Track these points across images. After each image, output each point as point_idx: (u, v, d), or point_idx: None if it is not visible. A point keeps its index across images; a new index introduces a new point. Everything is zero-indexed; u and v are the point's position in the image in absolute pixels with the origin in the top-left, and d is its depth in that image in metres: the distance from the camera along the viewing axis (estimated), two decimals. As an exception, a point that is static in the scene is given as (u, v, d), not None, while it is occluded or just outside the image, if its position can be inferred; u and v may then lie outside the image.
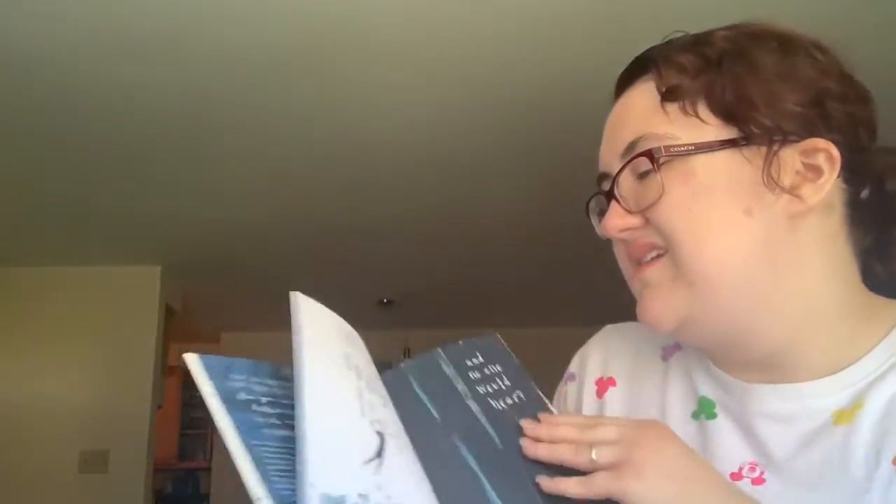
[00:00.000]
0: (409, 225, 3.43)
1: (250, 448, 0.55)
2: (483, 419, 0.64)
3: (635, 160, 0.62)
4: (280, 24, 1.83)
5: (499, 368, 0.70)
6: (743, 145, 0.60)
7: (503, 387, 0.68)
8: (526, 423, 0.63)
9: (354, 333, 0.67)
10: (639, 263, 0.64)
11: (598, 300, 3.99)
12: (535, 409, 0.66)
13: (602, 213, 0.67)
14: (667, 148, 0.61)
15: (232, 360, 0.63)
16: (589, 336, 0.83)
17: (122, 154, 2.57)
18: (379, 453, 0.57)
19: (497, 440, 0.63)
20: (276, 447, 0.57)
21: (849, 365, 0.61)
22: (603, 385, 0.77)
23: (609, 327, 0.82)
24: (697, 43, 0.64)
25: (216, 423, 0.56)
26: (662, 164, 0.61)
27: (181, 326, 4.76)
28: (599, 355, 0.80)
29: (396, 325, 5.17)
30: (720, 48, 0.63)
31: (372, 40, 1.91)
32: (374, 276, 4.32)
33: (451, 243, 3.71)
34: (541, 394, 0.69)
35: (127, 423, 3.75)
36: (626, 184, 0.64)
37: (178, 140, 2.47)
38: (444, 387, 0.67)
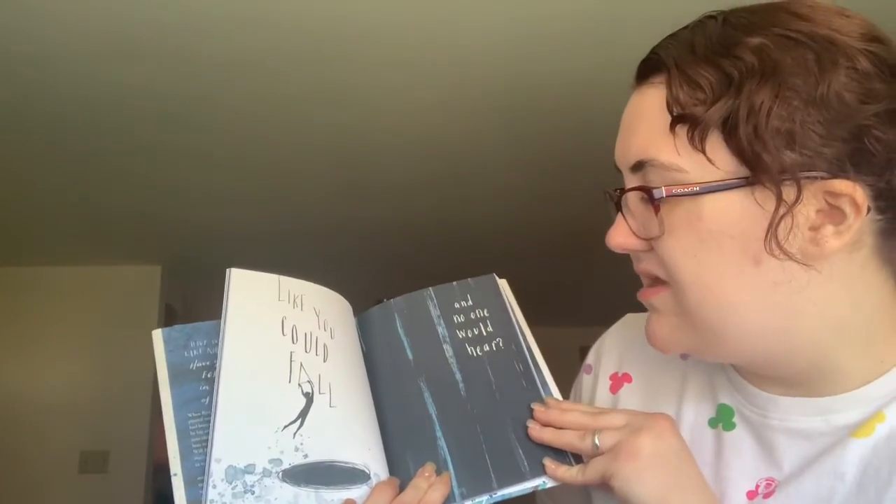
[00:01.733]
0: (408, 224, 3.43)
1: (180, 422, 0.59)
2: (454, 365, 0.66)
3: (633, 191, 0.58)
4: (279, 25, 1.82)
5: (485, 313, 0.70)
6: (755, 184, 0.53)
7: (484, 333, 0.68)
8: (537, 407, 0.63)
9: (320, 293, 0.70)
10: (647, 280, 0.61)
11: (599, 300, 3.99)
12: (510, 360, 0.67)
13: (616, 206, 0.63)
14: (668, 189, 0.55)
15: (196, 327, 0.66)
16: (591, 336, 0.82)
17: (123, 154, 2.57)
18: (302, 414, 0.60)
19: (462, 388, 0.64)
20: (208, 416, 0.60)
21: (874, 379, 0.57)
22: (618, 381, 0.74)
23: (629, 316, 0.78)
24: (723, 50, 0.54)
25: (161, 399, 0.61)
26: (664, 203, 0.55)
27: (181, 326, 4.76)
28: (616, 348, 0.77)
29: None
30: (747, 63, 0.53)
31: (372, 44, 1.91)
32: (372, 276, 4.32)
33: (451, 243, 3.71)
34: (526, 342, 0.68)
35: (127, 423, 3.74)
36: (633, 202, 0.59)
37: (179, 141, 2.47)
38: (424, 327, 0.68)
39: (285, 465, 0.58)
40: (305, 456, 0.58)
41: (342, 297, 0.73)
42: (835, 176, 0.52)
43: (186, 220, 3.31)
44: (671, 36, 0.59)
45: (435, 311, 0.69)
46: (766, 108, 0.52)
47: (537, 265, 4.08)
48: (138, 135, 2.42)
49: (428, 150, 2.62)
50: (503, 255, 3.95)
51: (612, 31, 1.87)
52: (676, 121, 0.55)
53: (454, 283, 0.72)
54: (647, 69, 0.59)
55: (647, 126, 0.57)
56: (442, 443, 0.61)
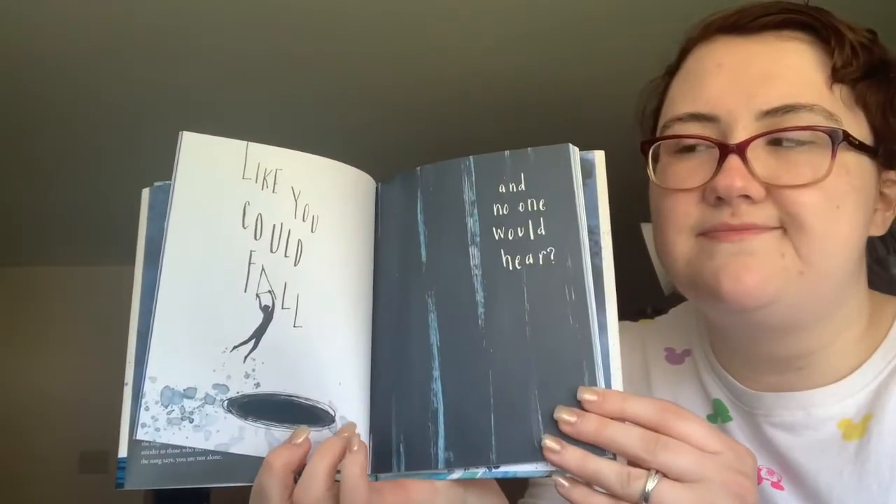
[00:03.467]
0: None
1: (143, 315, 0.50)
2: (477, 278, 0.48)
3: (800, 130, 0.54)
4: (279, 26, 1.83)
5: (542, 206, 0.49)
6: (879, 156, 0.58)
7: (532, 236, 0.48)
8: (563, 414, 0.45)
9: (307, 166, 0.54)
10: (730, 228, 0.55)
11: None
12: (560, 282, 0.47)
13: (677, 154, 0.59)
14: (847, 134, 0.55)
15: None
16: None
17: (124, 154, 2.57)
18: (257, 333, 0.48)
19: (481, 314, 0.47)
20: None
21: (852, 370, 0.60)
22: None
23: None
24: (854, 32, 0.59)
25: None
26: (839, 149, 0.54)
27: (181, 326, 4.76)
28: None
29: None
30: (878, 53, 0.60)
31: (374, 45, 1.91)
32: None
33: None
34: (594, 261, 0.48)
35: (127, 423, 3.74)
36: (757, 146, 0.55)
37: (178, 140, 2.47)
38: (450, 217, 0.49)
39: (232, 393, 0.49)
40: (257, 385, 0.49)
41: (352, 170, 0.55)
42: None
43: (186, 220, 3.31)
44: (791, 4, 0.60)
45: (469, 195, 0.50)
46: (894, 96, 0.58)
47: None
48: (139, 134, 2.42)
49: (428, 149, 2.62)
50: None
51: (613, 30, 1.87)
52: (843, 74, 0.56)
53: (506, 152, 0.51)
54: (784, 22, 0.58)
55: (798, 74, 0.56)
56: (437, 386, 0.46)
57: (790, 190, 0.54)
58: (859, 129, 0.57)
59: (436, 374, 0.46)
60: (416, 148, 2.45)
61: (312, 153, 0.57)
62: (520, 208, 0.49)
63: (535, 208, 0.49)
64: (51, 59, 1.95)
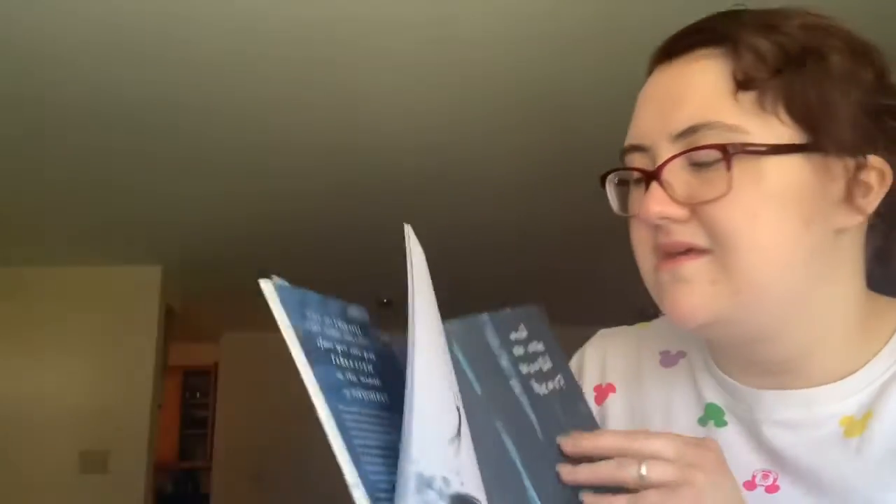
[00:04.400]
0: (409, 224, 3.43)
1: (337, 415, 0.47)
2: (525, 404, 0.57)
3: (698, 150, 0.57)
4: (278, 28, 1.82)
5: (542, 347, 0.61)
6: (811, 151, 0.56)
7: (545, 369, 0.60)
8: (563, 442, 0.56)
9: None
10: (668, 255, 0.59)
11: (600, 300, 3.99)
12: (574, 399, 0.61)
13: (620, 187, 0.62)
14: (744, 145, 0.55)
15: (304, 294, 0.53)
16: (591, 335, 0.82)
17: (123, 153, 2.57)
18: (458, 432, 0.50)
19: (538, 429, 0.56)
20: (359, 413, 0.49)
21: (855, 370, 0.60)
22: (602, 392, 0.75)
23: (603, 332, 0.79)
24: (773, 29, 0.58)
25: (304, 380, 0.48)
26: (734, 161, 0.56)
27: (181, 326, 4.76)
28: (596, 361, 0.77)
29: (396, 325, 5.14)
30: (799, 42, 0.58)
31: (373, 45, 1.91)
32: (374, 277, 4.32)
33: (451, 243, 3.71)
34: (576, 382, 0.63)
35: (127, 423, 3.74)
36: (675, 170, 0.58)
37: (180, 141, 2.47)
38: (486, 359, 0.58)
39: (453, 489, 0.47)
40: (462, 483, 0.48)
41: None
42: (868, 149, 0.57)
43: (186, 221, 3.31)
44: (708, 19, 0.61)
45: (494, 341, 0.59)
46: (823, 81, 0.56)
47: (537, 265, 4.08)
48: (140, 135, 2.42)
49: (427, 151, 2.62)
50: (503, 255, 3.95)
51: (613, 29, 1.87)
52: (746, 83, 0.56)
53: (507, 309, 0.62)
54: (695, 42, 0.60)
55: (701, 93, 0.58)
56: (532, 494, 0.53)
57: (705, 207, 0.56)
58: (774, 130, 0.56)
59: (528, 484, 0.54)
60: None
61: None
62: (529, 349, 0.60)
63: (539, 349, 0.61)
64: (53, 62, 1.95)
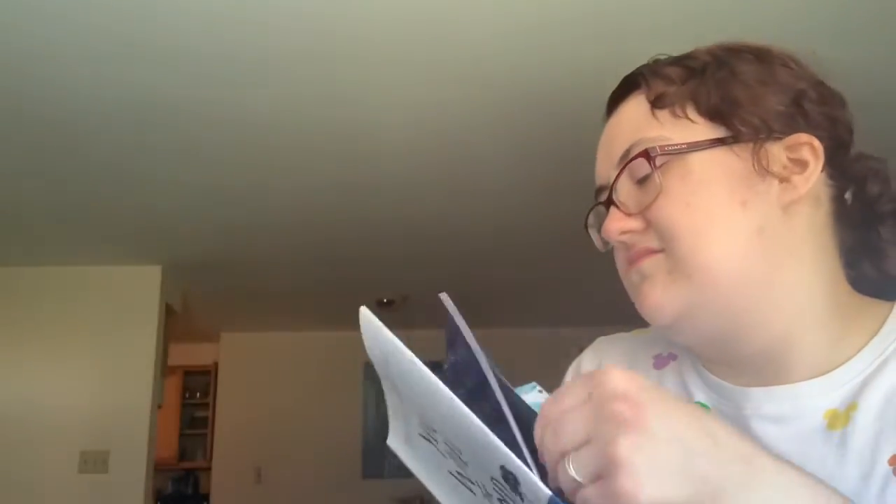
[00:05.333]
0: (409, 225, 3.43)
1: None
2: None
3: (632, 164, 0.65)
4: (278, 24, 1.83)
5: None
6: (732, 142, 0.63)
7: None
8: None
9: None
10: (633, 261, 0.66)
11: (600, 301, 3.99)
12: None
13: (601, 226, 0.69)
14: (662, 147, 0.63)
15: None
16: (590, 336, 0.83)
17: (123, 153, 2.57)
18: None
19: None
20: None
21: (840, 364, 0.62)
22: None
23: (601, 339, 0.83)
24: (681, 58, 0.69)
25: (494, 393, 0.53)
26: (659, 164, 0.63)
27: (181, 326, 4.76)
28: (593, 366, 0.80)
29: (396, 325, 5.13)
30: (703, 60, 0.67)
31: (372, 41, 1.91)
32: (374, 276, 4.32)
33: (451, 243, 3.71)
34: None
35: (127, 423, 3.74)
36: (624, 189, 0.66)
37: (180, 140, 2.47)
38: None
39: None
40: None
41: None
42: (795, 131, 0.64)
43: (186, 220, 3.31)
44: (631, 73, 0.71)
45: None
46: (727, 81, 0.65)
47: (537, 264, 4.08)
48: (139, 135, 2.42)
49: (427, 148, 2.62)
50: (503, 254, 3.95)
51: (612, 26, 1.87)
52: (656, 103, 0.66)
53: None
54: (621, 94, 0.71)
55: (628, 126, 0.68)
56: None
57: (650, 210, 0.64)
58: (690, 130, 0.64)
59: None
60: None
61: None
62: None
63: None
64: (49, 59, 1.95)
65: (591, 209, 0.72)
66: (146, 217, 3.25)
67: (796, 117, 0.64)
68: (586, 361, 0.81)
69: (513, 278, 4.37)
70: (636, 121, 0.67)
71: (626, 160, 0.65)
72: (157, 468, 4.26)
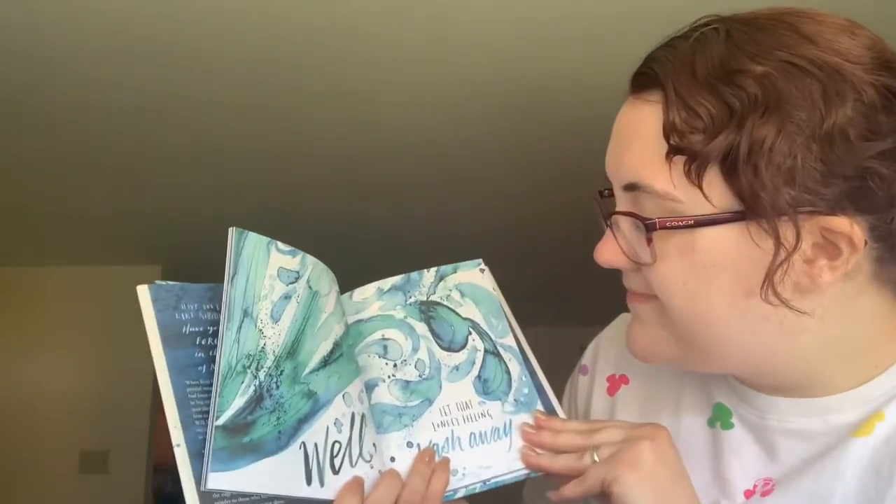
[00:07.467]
0: (409, 224, 3.43)
1: (178, 389, 0.56)
2: None
3: (627, 216, 0.57)
4: (278, 24, 1.82)
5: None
6: (750, 221, 0.51)
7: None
8: (527, 429, 0.65)
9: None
10: (629, 290, 0.62)
11: (598, 300, 3.98)
12: None
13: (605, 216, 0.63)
14: (662, 221, 0.53)
15: (185, 288, 0.60)
16: (590, 336, 0.82)
17: (123, 153, 2.57)
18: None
19: None
20: (207, 385, 0.56)
21: (875, 376, 0.58)
22: (615, 383, 0.74)
23: (624, 316, 0.76)
24: (725, 77, 0.51)
25: (154, 362, 0.57)
26: (657, 233, 0.54)
27: (181, 326, 4.75)
28: (613, 349, 0.76)
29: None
30: (750, 94, 0.50)
31: (374, 41, 1.91)
32: (374, 277, 4.31)
33: (450, 242, 3.70)
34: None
35: (127, 423, 3.74)
36: (625, 223, 0.58)
37: (180, 140, 2.47)
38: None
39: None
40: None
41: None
42: (833, 213, 0.51)
43: (186, 220, 3.31)
44: (668, 46, 0.56)
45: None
46: (768, 145, 0.49)
47: (537, 264, 4.08)
48: (138, 134, 2.41)
49: (427, 150, 2.62)
50: (502, 255, 3.94)
51: (613, 30, 1.87)
52: (674, 151, 0.52)
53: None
54: (643, 83, 0.57)
55: (641, 146, 0.55)
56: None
57: (643, 269, 0.57)
58: (700, 202, 0.52)
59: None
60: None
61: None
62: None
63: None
64: (49, 59, 1.95)
65: (603, 194, 0.63)
66: (146, 217, 3.24)
67: (846, 195, 0.50)
68: (606, 341, 0.78)
69: (514, 279, 4.36)
70: (648, 148, 0.54)
71: (632, 199, 0.56)
72: (157, 468, 4.25)
